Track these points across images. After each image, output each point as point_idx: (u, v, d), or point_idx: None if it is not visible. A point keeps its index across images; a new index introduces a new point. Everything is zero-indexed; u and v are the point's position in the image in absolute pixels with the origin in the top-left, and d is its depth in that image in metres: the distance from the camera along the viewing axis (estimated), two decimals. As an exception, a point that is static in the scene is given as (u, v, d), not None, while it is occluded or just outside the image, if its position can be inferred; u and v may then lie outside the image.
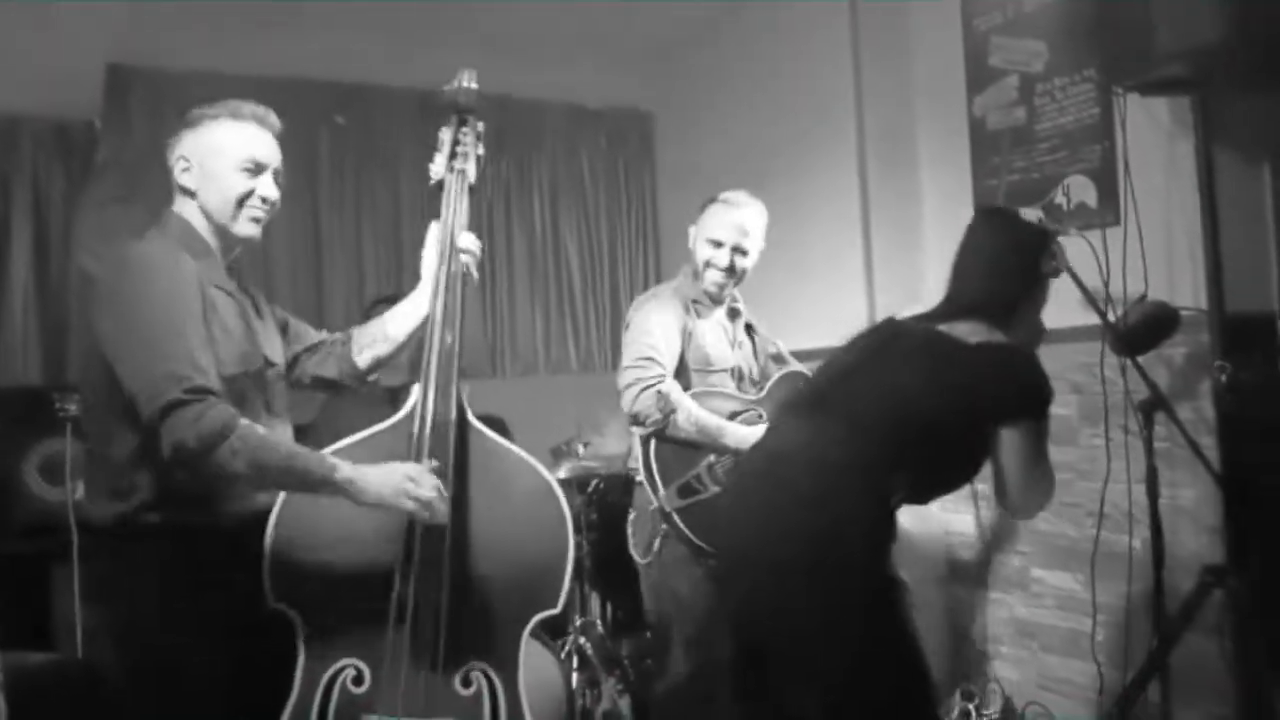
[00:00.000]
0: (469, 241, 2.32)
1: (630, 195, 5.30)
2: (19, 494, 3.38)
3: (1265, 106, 2.91)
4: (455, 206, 2.32)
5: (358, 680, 2.01)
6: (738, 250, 2.90)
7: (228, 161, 2.09)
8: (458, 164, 2.35)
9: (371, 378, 2.43)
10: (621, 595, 3.89)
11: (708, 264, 2.91)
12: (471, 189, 2.37)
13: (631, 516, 2.90)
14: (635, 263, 5.28)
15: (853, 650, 1.98)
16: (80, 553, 2.11)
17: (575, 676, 3.36)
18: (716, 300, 2.97)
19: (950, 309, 2.21)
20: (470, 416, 2.14)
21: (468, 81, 2.37)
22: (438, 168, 2.35)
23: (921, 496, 2.25)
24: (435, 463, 2.04)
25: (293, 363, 2.33)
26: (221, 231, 2.11)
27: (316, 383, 2.38)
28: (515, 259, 5.00)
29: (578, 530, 3.66)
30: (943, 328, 2.17)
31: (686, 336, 2.87)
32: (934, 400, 2.06)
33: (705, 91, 4.84)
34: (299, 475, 1.93)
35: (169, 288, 1.94)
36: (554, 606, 2.07)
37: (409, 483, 1.95)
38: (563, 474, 3.58)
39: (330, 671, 2.00)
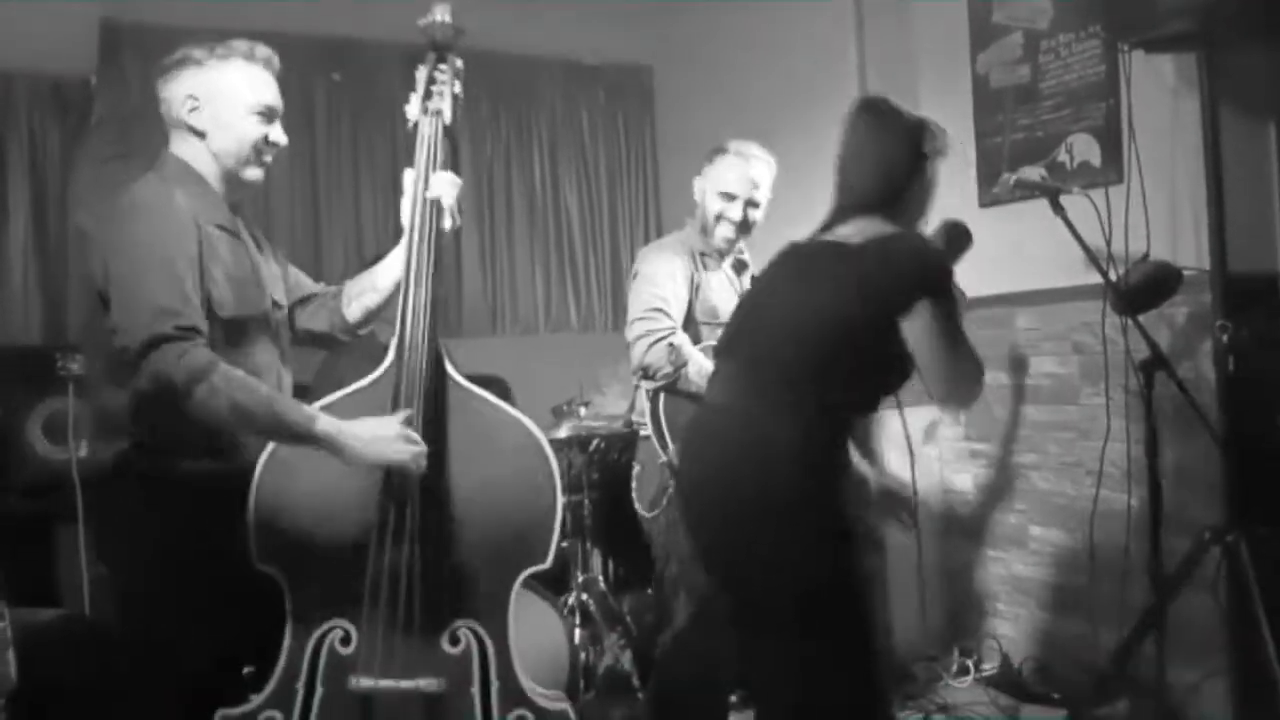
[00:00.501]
0: (442, 187, 2.20)
1: (630, 151, 5.26)
2: (22, 453, 3.39)
3: (1271, 64, 2.89)
4: (429, 150, 2.21)
5: (345, 641, 1.99)
6: (750, 204, 2.86)
7: (243, 106, 2.06)
8: (432, 104, 2.23)
9: (363, 331, 2.38)
10: (623, 552, 3.91)
11: (719, 217, 2.86)
12: (448, 130, 2.26)
13: (636, 470, 2.91)
14: (636, 219, 5.25)
15: (797, 594, 1.98)
16: (85, 509, 2.18)
17: (578, 632, 3.39)
18: (724, 253, 2.94)
19: (839, 213, 2.15)
20: (452, 370, 2.10)
21: (442, 16, 2.26)
22: (412, 109, 2.24)
23: (859, 409, 2.22)
24: (407, 412, 2.00)
25: (288, 313, 2.30)
26: (228, 175, 2.09)
27: (307, 336, 2.34)
28: (515, 217, 4.97)
29: (579, 489, 3.68)
30: (830, 235, 2.12)
31: (694, 289, 2.83)
32: (834, 310, 2.00)
33: (705, 46, 4.79)
34: (277, 421, 1.91)
35: (161, 226, 1.92)
36: (543, 561, 2.04)
37: (396, 440, 1.94)
38: (564, 433, 3.59)
39: (318, 633, 1.99)
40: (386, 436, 1.94)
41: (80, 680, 2.62)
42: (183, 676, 1.94)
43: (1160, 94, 3.01)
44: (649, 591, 3.66)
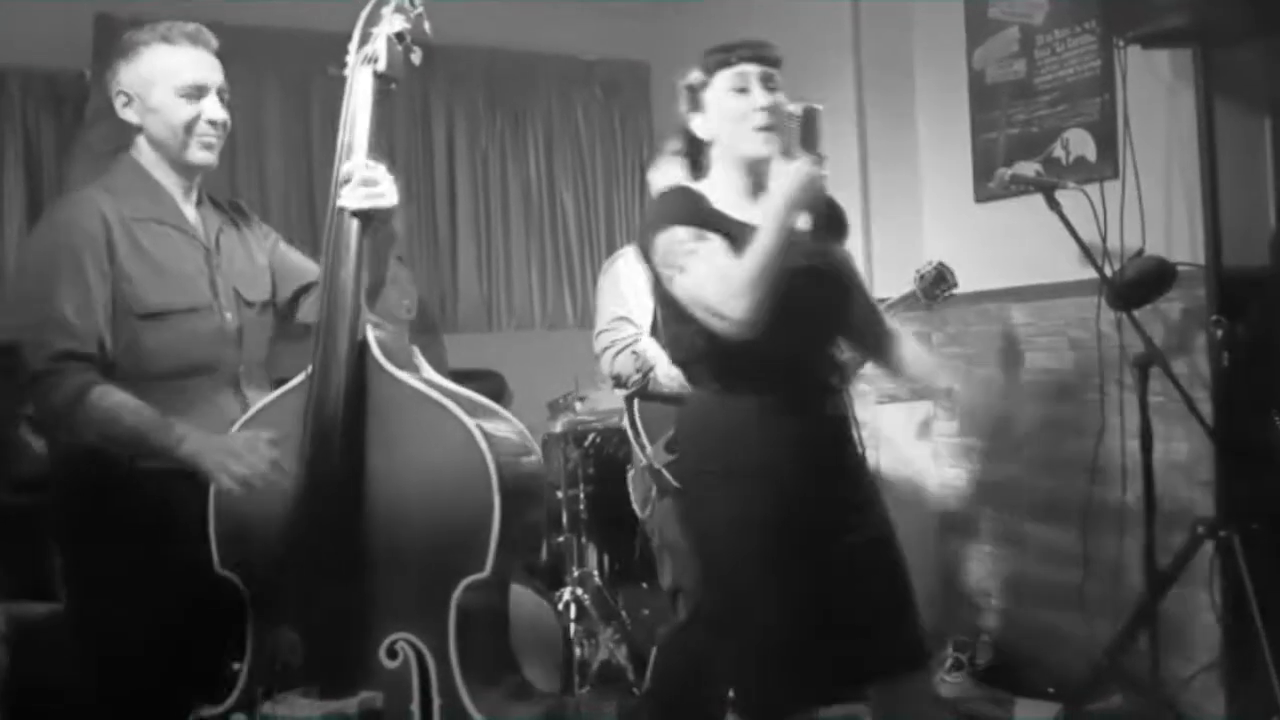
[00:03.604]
0: (354, 168, 1.94)
1: (626, 147, 5.25)
2: (14, 447, 3.38)
3: (1266, 59, 2.89)
4: (351, 112, 1.97)
5: (293, 649, 1.86)
6: None
7: (166, 88, 1.95)
8: (367, 49, 1.96)
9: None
10: (618, 547, 3.91)
11: None
12: (383, 78, 1.97)
13: (631, 473, 2.93)
14: (632, 215, 5.24)
15: None
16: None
17: (573, 627, 3.39)
18: None
19: None
20: (382, 360, 1.90)
21: None
22: (349, 60, 2.00)
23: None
24: (270, 434, 1.84)
25: (292, 303, 2.19)
26: (176, 164, 2.00)
27: (306, 331, 2.16)
28: (511, 213, 4.97)
29: (574, 484, 3.69)
30: None
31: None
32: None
33: (701, 41, 4.74)
34: (143, 444, 1.83)
35: (50, 246, 1.90)
36: (480, 570, 1.81)
37: (229, 457, 1.79)
38: (559, 428, 3.59)
39: (271, 639, 1.88)
40: (233, 452, 1.80)
41: (73, 675, 2.62)
42: (142, 682, 1.88)
43: (1156, 89, 3.01)
44: (644, 586, 3.66)
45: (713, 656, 2.71)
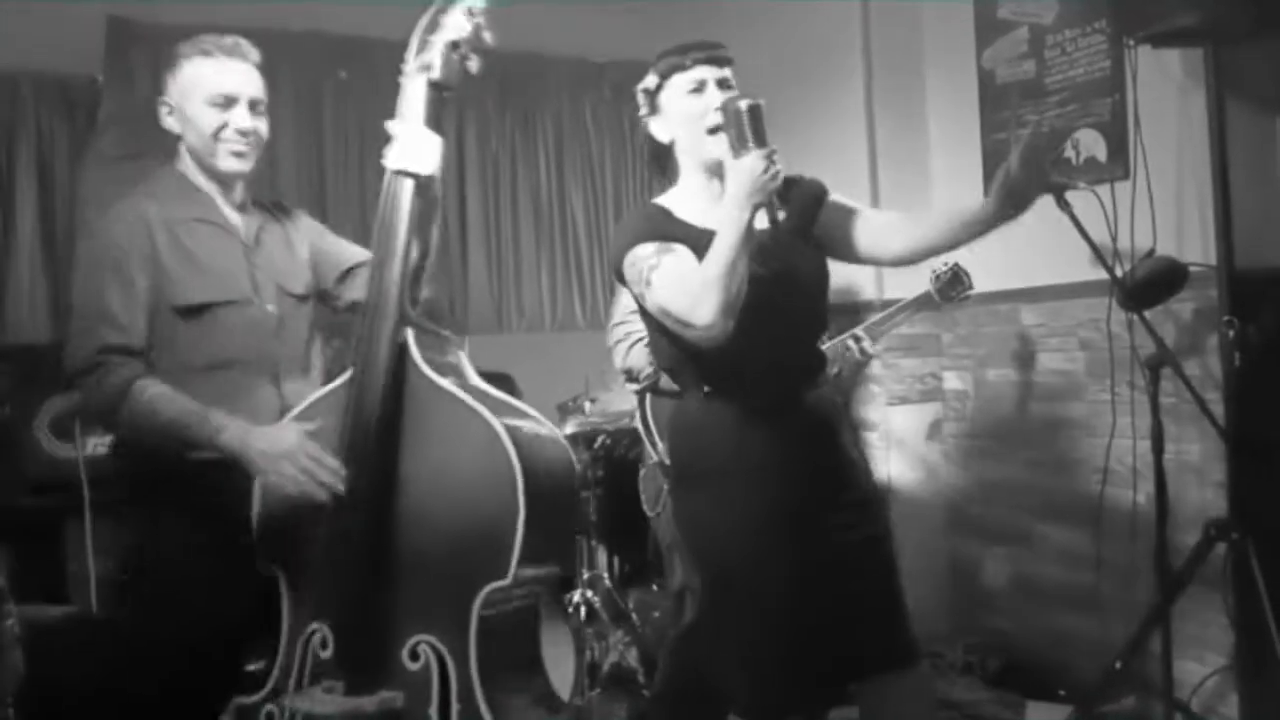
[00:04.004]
0: (402, 140, 1.97)
1: (636, 148, 5.25)
2: (30, 450, 3.41)
3: (1278, 59, 2.87)
4: (406, 105, 1.99)
5: (324, 644, 1.91)
6: None
7: (198, 98, 2.06)
8: (424, 57, 1.98)
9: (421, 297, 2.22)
10: (628, 548, 3.92)
11: None
12: (437, 86, 1.98)
13: (642, 472, 2.93)
14: (641, 217, 5.25)
15: None
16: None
17: (583, 629, 3.39)
18: None
19: None
20: (420, 361, 1.91)
21: None
22: (407, 69, 2.00)
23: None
24: (312, 425, 1.91)
25: (339, 284, 2.27)
26: (209, 171, 2.10)
27: (351, 307, 2.23)
28: (521, 214, 4.97)
29: (585, 485, 3.69)
30: None
31: None
32: None
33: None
34: (184, 435, 1.91)
35: (98, 249, 2.01)
36: (502, 577, 1.80)
37: (284, 460, 1.86)
38: (569, 430, 3.59)
39: (305, 634, 1.93)
40: (284, 453, 1.87)
41: (88, 677, 2.64)
42: (187, 670, 1.94)
43: (1166, 89, 3.00)
44: (654, 588, 3.66)
45: (714, 658, 2.74)
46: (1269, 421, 2.74)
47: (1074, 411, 3.38)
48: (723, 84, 2.02)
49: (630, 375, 2.77)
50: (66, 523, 3.32)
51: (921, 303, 3.16)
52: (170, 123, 2.10)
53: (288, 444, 1.88)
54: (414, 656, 1.85)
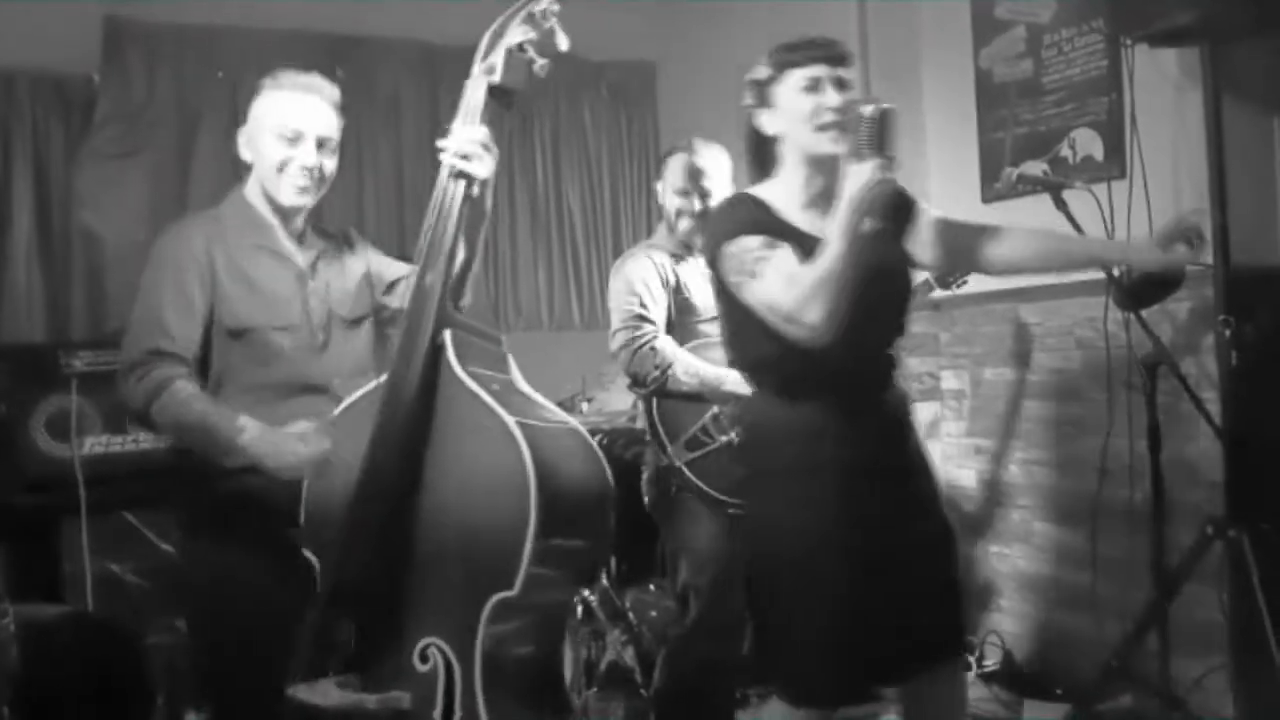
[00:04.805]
0: (457, 142, 1.94)
1: (633, 147, 5.26)
2: (26, 450, 3.40)
3: (1275, 58, 2.88)
4: (465, 112, 1.96)
5: (348, 638, 1.89)
6: (704, 195, 2.90)
7: (268, 130, 2.11)
8: (490, 59, 1.95)
9: (463, 303, 2.22)
10: (626, 548, 3.91)
11: (679, 212, 2.91)
12: (500, 91, 1.95)
13: (646, 474, 2.93)
14: (639, 216, 5.25)
15: None
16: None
17: (580, 629, 3.39)
18: (694, 247, 2.97)
19: None
20: (455, 364, 1.88)
21: None
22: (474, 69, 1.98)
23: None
24: (315, 424, 1.95)
25: (385, 307, 2.31)
26: (272, 202, 2.15)
27: (395, 317, 2.24)
28: (518, 213, 4.98)
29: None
30: None
31: (670, 289, 2.87)
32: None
33: (708, 41, 4.78)
34: (208, 439, 1.96)
35: (160, 262, 2.08)
36: (509, 587, 1.76)
37: (294, 443, 1.92)
38: (567, 429, 3.58)
39: (324, 622, 1.89)
40: (287, 444, 1.93)
41: (84, 677, 2.63)
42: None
43: (1163, 88, 3.00)
44: (651, 588, 3.66)
45: (722, 659, 2.75)
46: (1265, 420, 2.74)
47: (1071, 410, 3.39)
48: (838, 83, 2.02)
49: (636, 380, 2.77)
50: (62, 522, 3.31)
51: (921, 290, 3.15)
52: (245, 153, 2.16)
53: (294, 431, 1.94)
54: (423, 658, 1.82)
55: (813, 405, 2.01)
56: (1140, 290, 2.73)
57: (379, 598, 1.86)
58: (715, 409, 2.76)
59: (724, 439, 2.72)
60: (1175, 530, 2.80)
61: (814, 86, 2.00)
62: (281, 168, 2.11)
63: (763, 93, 2.09)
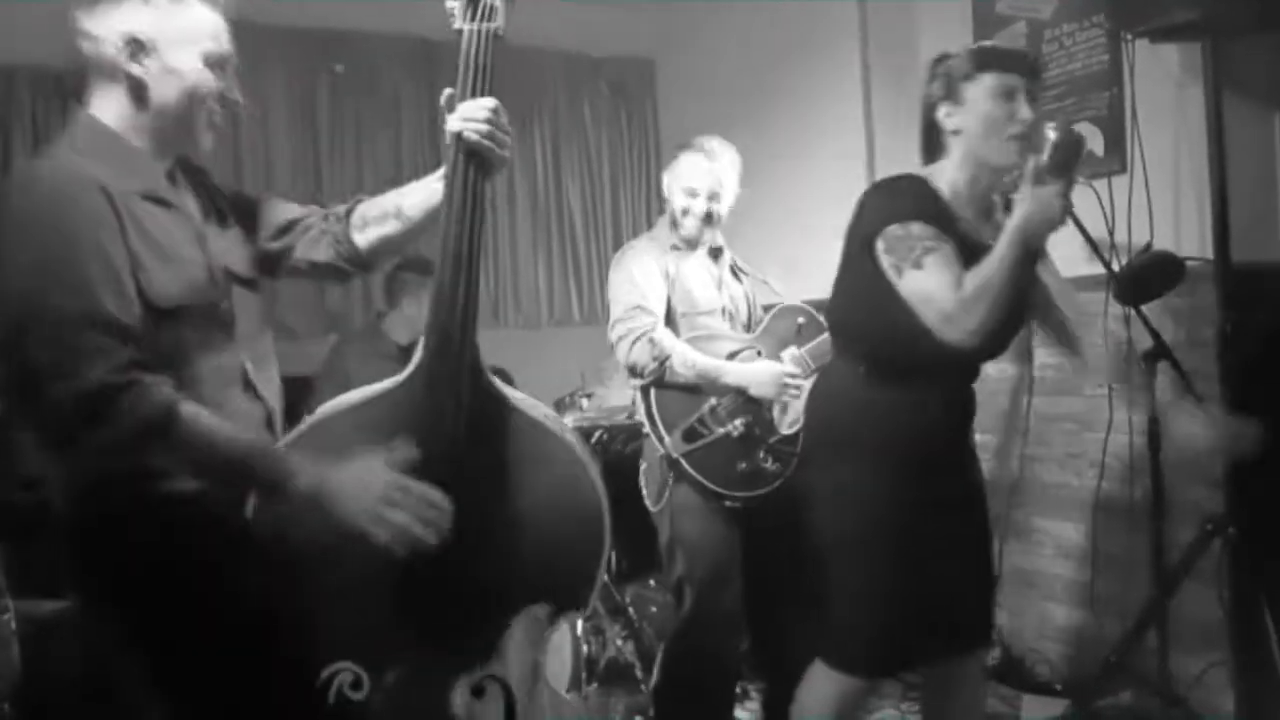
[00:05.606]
0: (468, 116, 1.74)
1: (633, 143, 5.26)
2: (24, 445, 3.40)
3: (1276, 54, 2.87)
4: (469, 71, 1.76)
5: (356, 686, 1.72)
6: (713, 198, 2.90)
7: (194, 51, 1.66)
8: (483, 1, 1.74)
9: (376, 266, 2.01)
10: (626, 544, 3.91)
11: (685, 211, 2.91)
12: (499, 41, 1.78)
13: (643, 468, 2.92)
14: (638, 211, 5.25)
15: None
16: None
17: (580, 624, 3.39)
18: (694, 243, 2.96)
19: None
20: (501, 390, 1.77)
21: None
22: (456, 16, 1.76)
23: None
24: (401, 452, 1.62)
25: (282, 254, 1.92)
26: (168, 136, 1.68)
27: (308, 267, 1.93)
28: (518, 209, 4.97)
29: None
30: None
31: (670, 282, 2.87)
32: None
33: (707, 39, 4.77)
34: (247, 479, 1.59)
35: (51, 226, 1.50)
36: (584, 605, 1.83)
37: (383, 504, 1.55)
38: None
39: (328, 673, 1.73)
40: (382, 497, 1.56)
41: (84, 673, 2.63)
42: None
43: (1164, 83, 3.00)
44: (651, 583, 3.66)
45: (720, 654, 2.75)
46: (1266, 416, 2.74)
47: (1071, 406, 3.38)
48: (1031, 96, 2.03)
49: (634, 371, 2.76)
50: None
51: None
52: (135, 67, 1.62)
53: (381, 485, 1.57)
54: (478, 692, 1.75)
55: (913, 388, 2.08)
56: (1141, 285, 2.72)
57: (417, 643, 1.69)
58: (713, 401, 2.76)
59: (721, 431, 2.72)
60: (1175, 527, 2.80)
61: (1009, 95, 2.01)
62: (204, 99, 1.68)
63: (952, 86, 2.07)
